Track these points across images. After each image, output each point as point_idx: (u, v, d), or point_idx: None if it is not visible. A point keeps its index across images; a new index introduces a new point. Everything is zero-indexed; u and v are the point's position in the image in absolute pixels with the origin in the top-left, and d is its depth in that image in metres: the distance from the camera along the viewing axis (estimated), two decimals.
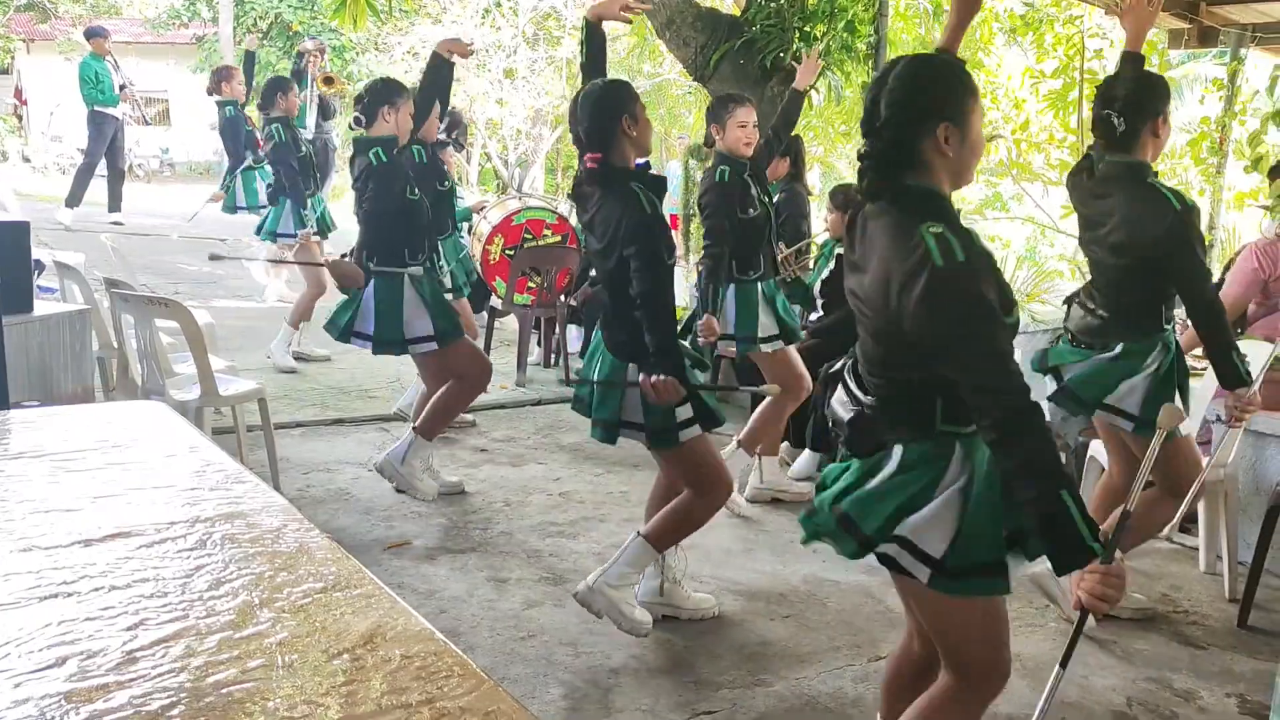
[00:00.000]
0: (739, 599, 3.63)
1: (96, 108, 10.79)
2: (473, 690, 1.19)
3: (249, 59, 8.78)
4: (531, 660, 3.11)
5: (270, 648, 1.26)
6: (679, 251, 11.14)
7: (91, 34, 11.12)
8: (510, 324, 7.44)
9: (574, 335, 7.01)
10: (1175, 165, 7.86)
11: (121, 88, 10.91)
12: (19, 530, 1.59)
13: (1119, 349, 3.23)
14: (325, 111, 9.32)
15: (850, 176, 7.86)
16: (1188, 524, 4.69)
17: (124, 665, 1.21)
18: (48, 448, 2.01)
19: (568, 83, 15.62)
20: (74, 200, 10.98)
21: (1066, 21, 7.44)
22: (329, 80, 9.01)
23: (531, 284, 6.81)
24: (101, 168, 11.26)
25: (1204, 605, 3.77)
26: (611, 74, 3.40)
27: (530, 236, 7.04)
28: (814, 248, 5.77)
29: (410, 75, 11.30)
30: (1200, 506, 3.93)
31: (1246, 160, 4.73)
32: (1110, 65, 7.75)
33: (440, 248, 4.79)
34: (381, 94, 4.12)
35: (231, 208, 8.25)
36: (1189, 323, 3.25)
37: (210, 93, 8.15)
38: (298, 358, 6.61)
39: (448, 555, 3.87)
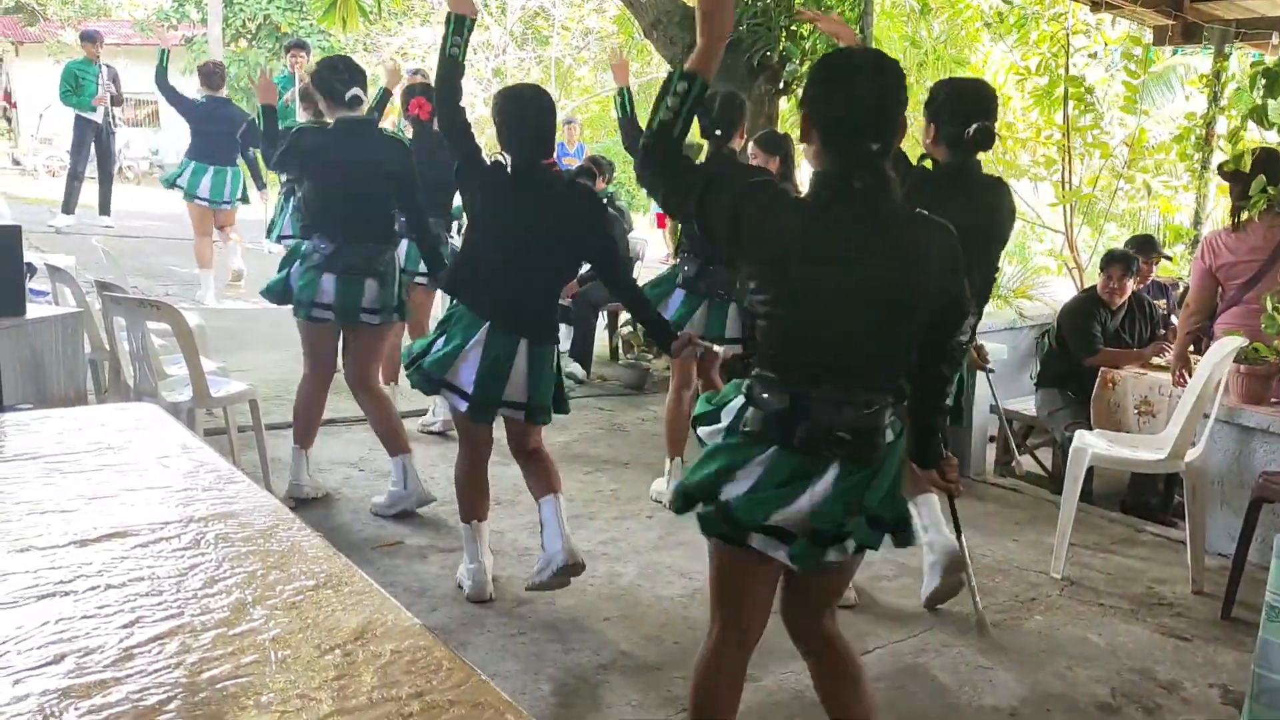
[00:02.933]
0: None
1: (75, 112, 10.82)
2: (461, 684, 1.22)
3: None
4: (522, 657, 3.14)
5: (263, 644, 1.29)
6: (668, 250, 11.16)
7: (84, 38, 11.09)
8: None
9: (564, 333, 7.04)
10: (1161, 160, 7.90)
11: (113, 98, 10.87)
12: (16, 531, 1.61)
13: None
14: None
15: None
16: (1175, 517, 4.75)
17: (121, 662, 1.24)
18: (42, 450, 2.04)
19: (556, 83, 15.64)
20: (69, 207, 11.00)
21: (1051, 19, 7.48)
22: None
23: None
24: (92, 170, 11.25)
25: (1188, 597, 3.82)
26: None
27: None
28: None
29: None
30: (1186, 499, 3.98)
31: (1227, 156, 4.79)
32: (1094, 61, 7.81)
33: None
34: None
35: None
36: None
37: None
38: None
39: (439, 554, 3.90)
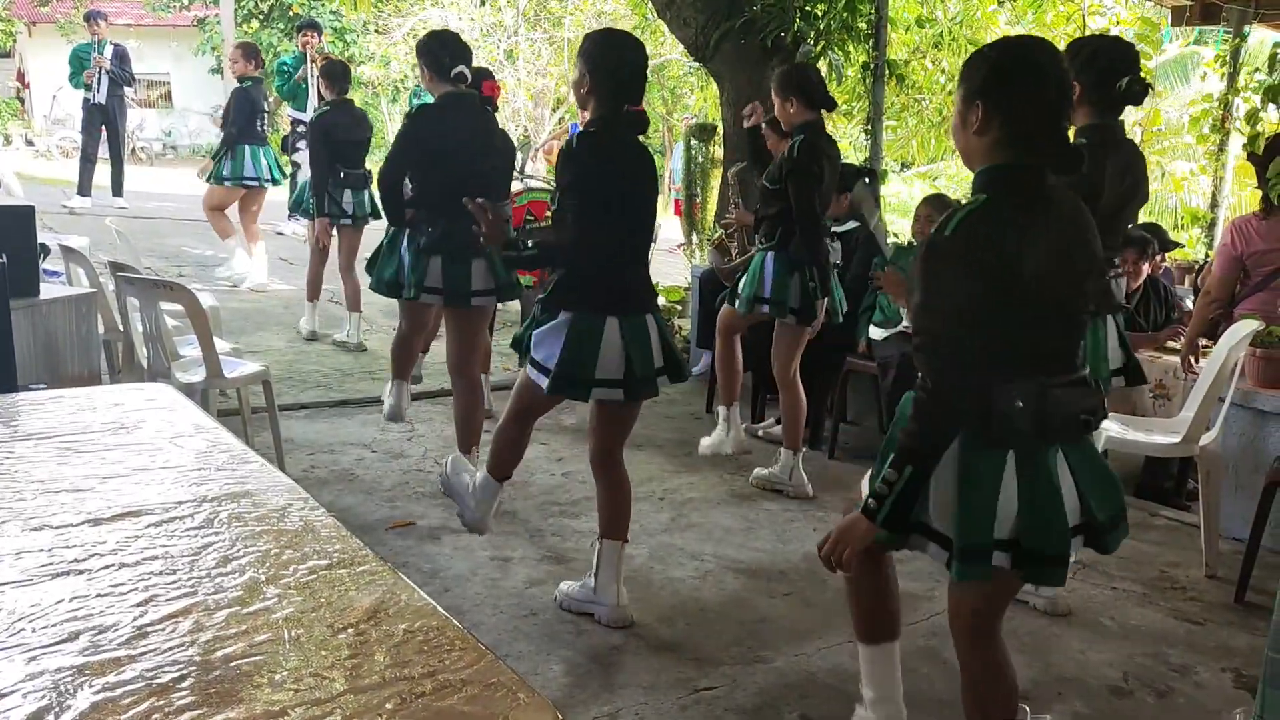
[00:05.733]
0: (739, 577, 3.66)
1: (83, 94, 10.86)
2: (474, 664, 1.22)
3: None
4: (534, 638, 3.15)
5: (277, 623, 1.29)
6: (681, 237, 11.09)
7: (86, 18, 11.12)
8: (513, 305, 7.46)
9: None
10: (1178, 142, 7.85)
11: (119, 78, 10.85)
12: (30, 509, 1.62)
13: None
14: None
15: (853, 156, 7.84)
16: (1189, 500, 4.73)
17: (135, 640, 1.24)
18: (57, 429, 2.05)
19: (569, 63, 15.56)
20: (84, 189, 11.03)
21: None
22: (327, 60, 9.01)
23: None
24: (105, 151, 11.28)
25: (1201, 582, 3.80)
26: None
27: (533, 218, 7.04)
28: None
29: (409, 57, 11.25)
30: (1200, 484, 3.96)
31: (1244, 138, 4.74)
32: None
33: None
34: None
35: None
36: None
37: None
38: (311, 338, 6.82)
39: (451, 535, 3.91)
